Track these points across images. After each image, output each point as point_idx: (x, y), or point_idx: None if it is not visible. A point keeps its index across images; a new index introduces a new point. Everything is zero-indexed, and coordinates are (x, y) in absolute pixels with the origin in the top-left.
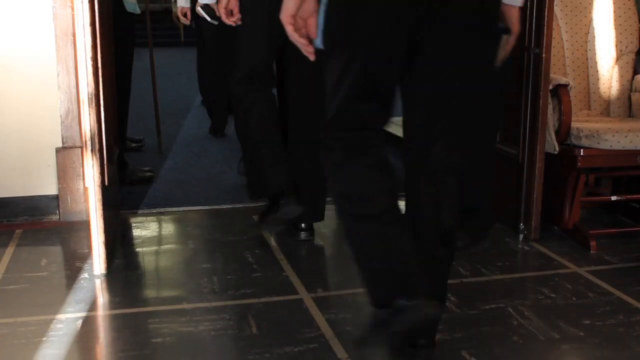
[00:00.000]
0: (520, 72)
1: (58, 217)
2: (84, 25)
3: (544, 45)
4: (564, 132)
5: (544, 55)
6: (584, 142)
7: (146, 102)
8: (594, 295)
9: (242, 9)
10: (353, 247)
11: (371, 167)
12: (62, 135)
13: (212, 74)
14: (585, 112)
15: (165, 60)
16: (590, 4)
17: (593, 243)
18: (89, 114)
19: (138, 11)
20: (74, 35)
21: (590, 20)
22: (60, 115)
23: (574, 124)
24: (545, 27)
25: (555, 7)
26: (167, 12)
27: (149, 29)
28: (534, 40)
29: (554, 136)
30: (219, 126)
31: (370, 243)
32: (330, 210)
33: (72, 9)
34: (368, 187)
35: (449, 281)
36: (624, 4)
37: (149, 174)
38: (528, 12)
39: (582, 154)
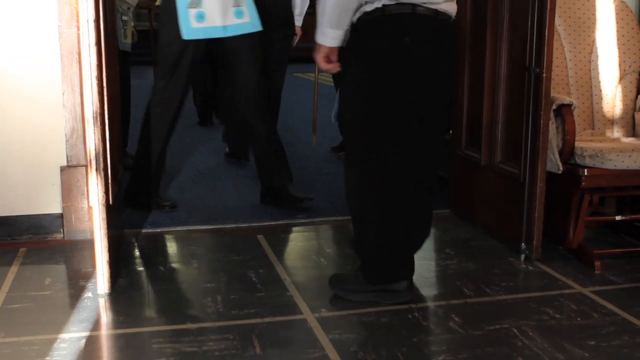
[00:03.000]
0: (521, 91)
1: (62, 235)
2: (89, 44)
3: (545, 64)
4: (567, 151)
5: (544, 74)
6: (588, 161)
7: None
8: (598, 316)
9: None
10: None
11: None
12: (66, 153)
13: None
14: (589, 132)
15: None
16: (594, 23)
17: (597, 263)
18: (94, 132)
19: (129, 49)
20: (79, 54)
21: (594, 40)
22: (65, 134)
23: (577, 144)
24: (546, 47)
25: (558, 26)
26: None
27: (153, 47)
28: (534, 59)
29: (557, 156)
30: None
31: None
32: (336, 229)
33: (78, 28)
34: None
35: (453, 301)
36: (627, 24)
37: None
38: (529, 32)
39: (586, 173)
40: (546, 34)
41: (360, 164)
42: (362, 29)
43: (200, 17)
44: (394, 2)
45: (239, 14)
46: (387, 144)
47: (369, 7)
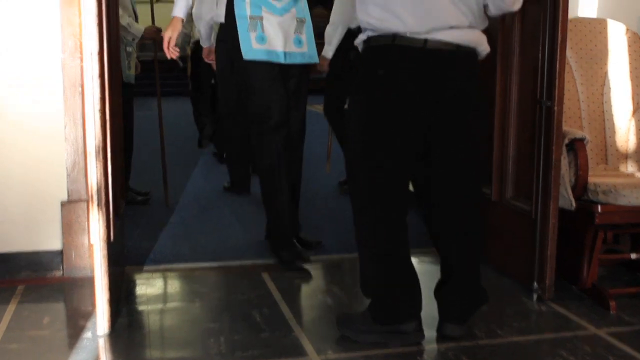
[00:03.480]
0: (532, 125)
1: (62, 272)
2: (93, 76)
3: (556, 97)
4: (580, 187)
5: (555, 107)
6: (602, 197)
7: (153, 153)
8: (614, 359)
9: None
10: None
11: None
12: (67, 188)
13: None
14: (602, 167)
15: (173, 109)
16: (606, 55)
17: (613, 303)
18: (96, 167)
19: (133, 81)
20: (82, 86)
21: (606, 72)
22: (67, 168)
23: (590, 179)
24: (557, 79)
25: (569, 58)
26: (174, 61)
27: (157, 78)
28: (545, 92)
29: (570, 192)
30: (241, 184)
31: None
32: (343, 267)
33: (81, 60)
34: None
35: (464, 343)
36: None
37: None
38: (539, 64)
39: (599, 210)
40: (557, 66)
41: (353, 198)
42: (354, 62)
43: (262, 39)
44: (376, 34)
45: (298, 43)
46: (371, 177)
47: (359, 40)
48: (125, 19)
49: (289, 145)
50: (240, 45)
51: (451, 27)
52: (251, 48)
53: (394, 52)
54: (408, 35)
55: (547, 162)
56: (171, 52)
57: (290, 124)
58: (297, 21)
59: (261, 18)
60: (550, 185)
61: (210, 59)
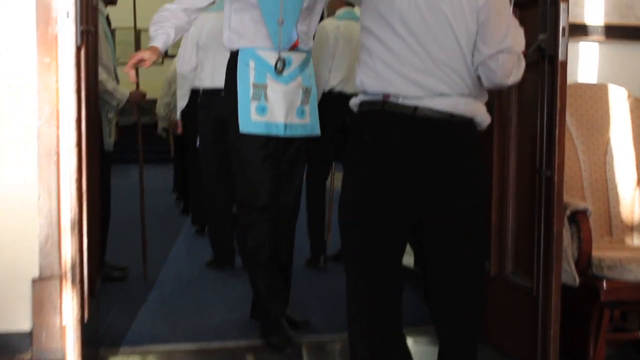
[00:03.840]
0: (532, 196)
1: (30, 356)
2: (69, 145)
3: (556, 167)
4: (584, 262)
5: (555, 177)
6: (607, 273)
7: (131, 223)
8: None
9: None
10: None
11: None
12: (39, 263)
13: (216, 198)
14: (607, 240)
15: (152, 177)
16: (608, 122)
17: None
18: (71, 241)
19: (112, 148)
20: (58, 155)
21: (608, 139)
22: (39, 242)
23: (595, 253)
24: (557, 148)
25: (570, 125)
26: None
27: (140, 145)
28: (545, 162)
29: (573, 267)
30: (224, 258)
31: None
32: (333, 348)
33: (58, 128)
34: None
35: None
36: None
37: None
38: (538, 132)
39: (605, 286)
40: (557, 134)
41: (345, 270)
42: (349, 126)
43: (262, 110)
44: (368, 98)
45: (300, 114)
46: (361, 248)
47: (353, 103)
48: (110, 84)
49: (279, 222)
50: (239, 115)
51: (442, 95)
52: (250, 120)
53: (383, 118)
54: (399, 101)
55: (547, 236)
56: (132, 76)
57: (282, 200)
58: (302, 91)
59: (265, 86)
60: (552, 260)
61: (178, 129)
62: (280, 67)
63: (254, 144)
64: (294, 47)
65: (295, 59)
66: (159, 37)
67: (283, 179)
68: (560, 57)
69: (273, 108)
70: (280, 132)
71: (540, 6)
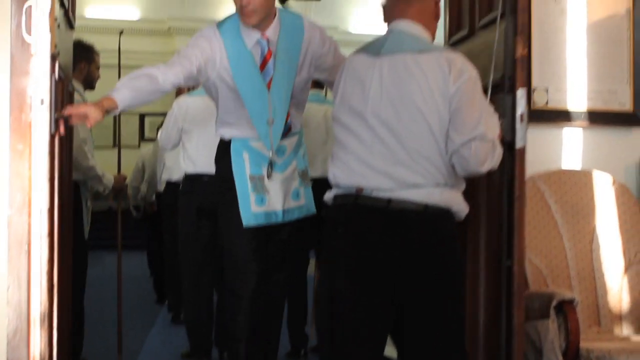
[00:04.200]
0: (496, 289)
1: None
2: (41, 235)
3: (515, 257)
4: (572, 353)
5: (515, 267)
6: None
7: (106, 313)
8: None
9: None
10: None
11: None
12: (7, 357)
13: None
14: (595, 330)
15: (128, 264)
16: (593, 209)
17: None
18: (40, 335)
19: (86, 235)
20: (29, 245)
21: (594, 227)
22: (7, 335)
23: (583, 344)
24: (516, 236)
25: (555, 213)
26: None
27: (119, 231)
28: (505, 251)
29: (561, 358)
30: (201, 350)
31: None
32: None
33: (29, 216)
34: None
35: None
36: (629, 208)
37: None
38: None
39: None
40: (515, 222)
41: None
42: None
43: (261, 200)
44: (341, 192)
45: (296, 196)
46: (335, 344)
47: (327, 197)
48: (99, 169)
49: (266, 312)
50: (240, 209)
51: (416, 186)
52: (251, 213)
53: (357, 212)
54: (372, 194)
55: (509, 329)
56: (62, 129)
57: (271, 288)
58: (298, 175)
59: (262, 178)
60: (513, 356)
61: (152, 208)
62: (269, 172)
63: (248, 236)
64: (286, 135)
65: (289, 144)
66: (121, 91)
67: (273, 267)
68: (518, 144)
69: (271, 197)
70: (278, 219)
71: (502, 92)
